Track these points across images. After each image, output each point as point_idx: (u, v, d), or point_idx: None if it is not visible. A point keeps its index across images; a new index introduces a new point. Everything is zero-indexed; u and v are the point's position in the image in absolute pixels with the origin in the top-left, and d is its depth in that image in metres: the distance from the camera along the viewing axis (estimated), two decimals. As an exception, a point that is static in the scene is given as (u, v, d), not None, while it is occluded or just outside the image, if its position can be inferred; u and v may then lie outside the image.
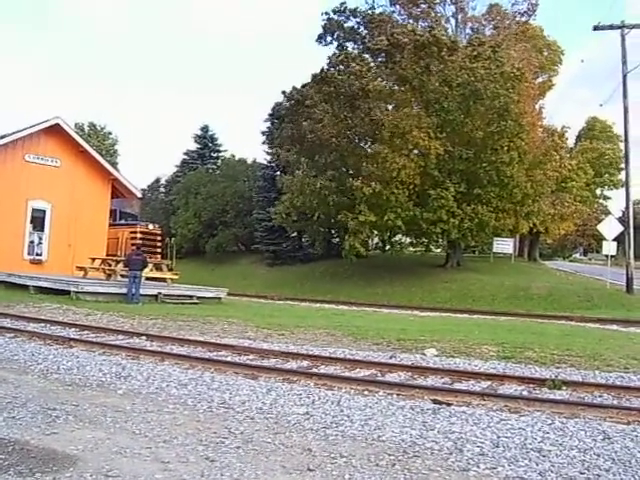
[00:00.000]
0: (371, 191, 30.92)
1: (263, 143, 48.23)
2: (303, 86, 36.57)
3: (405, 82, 33.97)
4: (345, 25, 38.74)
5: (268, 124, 47.27)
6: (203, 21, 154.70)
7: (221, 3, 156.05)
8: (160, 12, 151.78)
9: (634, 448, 6.45)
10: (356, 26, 38.84)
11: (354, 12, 38.95)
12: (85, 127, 68.73)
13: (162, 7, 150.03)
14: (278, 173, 44.51)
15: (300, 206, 35.45)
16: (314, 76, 35.25)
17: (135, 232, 32.03)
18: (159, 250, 33.60)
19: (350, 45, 39.48)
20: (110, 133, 73.17)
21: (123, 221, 34.35)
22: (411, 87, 33.80)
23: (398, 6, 41.55)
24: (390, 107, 34.98)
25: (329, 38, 39.08)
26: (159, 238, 34.18)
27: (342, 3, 38.57)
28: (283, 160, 41.38)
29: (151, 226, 34.11)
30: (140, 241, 30.42)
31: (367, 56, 36.91)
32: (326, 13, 38.83)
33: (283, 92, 39.46)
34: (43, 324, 15.22)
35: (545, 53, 46.63)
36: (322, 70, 35.10)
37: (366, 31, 38.11)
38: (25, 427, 6.37)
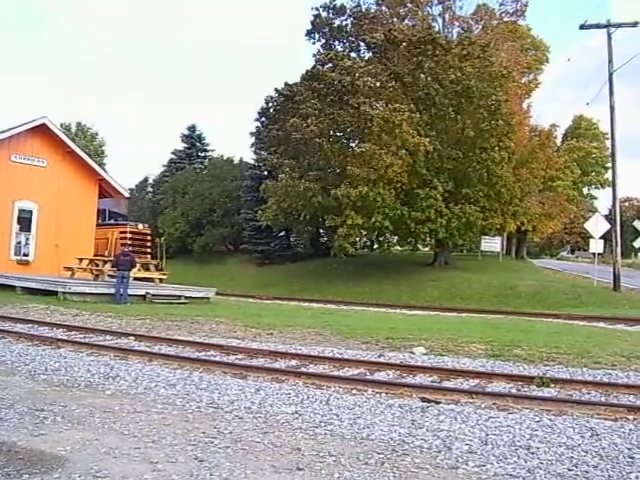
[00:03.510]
0: (357, 193, 30.83)
1: (252, 145, 48.12)
2: (295, 84, 36.62)
3: (397, 79, 34.00)
4: (333, 22, 38.88)
5: (257, 124, 47.11)
6: (193, 21, 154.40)
7: (209, 6, 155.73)
8: (149, 13, 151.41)
9: (622, 444, 6.49)
10: (344, 23, 38.97)
11: (342, 9, 39.07)
12: (72, 127, 68.28)
13: (151, 8, 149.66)
14: (265, 173, 44.40)
15: (287, 208, 35.40)
16: (306, 72, 35.29)
17: (125, 232, 31.91)
18: (149, 250, 33.51)
19: (337, 44, 39.61)
20: (97, 134, 72.98)
21: (112, 221, 34.19)
22: (402, 84, 33.83)
23: (384, 6, 41.55)
24: (380, 103, 35.01)
25: (317, 35, 39.25)
26: (149, 238, 34.08)
27: (331, 0, 38.78)
28: (269, 165, 41.30)
29: (141, 226, 33.98)
30: (130, 241, 30.35)
31: (354, 55, 37.01)
32: (316, 9, 39.06)
33: (275, 89, 39.55)
34: (30, 325, 15.15)
35: (532, 52, 46.84)
36: (313, 67, 35.15)
37: (354, 29, 38.17)
38: (13, 428, 6.35)
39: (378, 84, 34.02)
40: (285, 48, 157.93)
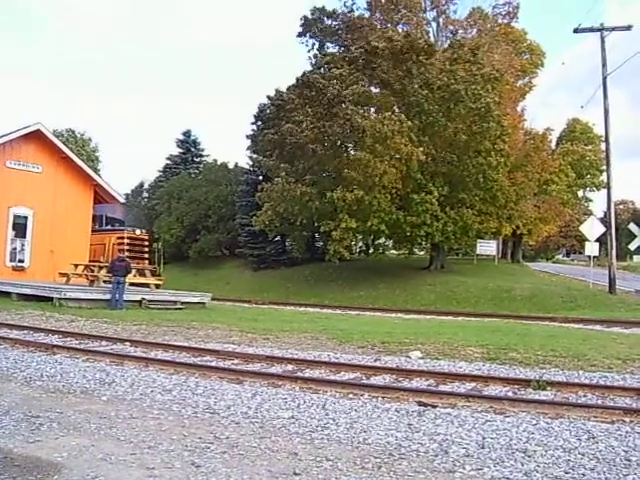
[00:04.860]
0: (353, 197, 30.81)
1: (248, 148, 48.26)
2: (287, 89, 36.65)
3: (386, 86, 34.03)
4: (325, 26, 39.07)
5: (254, 127, 47.27)
6: (187, 25, 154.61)
7: (206, 6, 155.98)
8: (143, 17, 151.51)
9: (618, 447, 6.49)
10: (336, 28, 39.14)
11: (333, 14, 39.23)
12: (64, 133, 68.05)
13: (144, 12, 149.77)
14: (261, 178, 44.40)
15: (283, 212, 35.35)
16: (297, 79, 35.26)
17: (122, 237, 31.94)
18: (146, 255, 33.51)
19: (331, 46, 39.85)
20: (90, 139, 72.88)
21: (110, 227, 34.19)
22: (392, 91, 33.85)
23: (377, 12, 41.58)
24: (372, 110, 35.03)
25: (310, 39, 39.51)
26: (146, 243, 34.09)
27: (321, 8, 39.10)
28: (264, 168, 41.29)
29: (138, 231, 33.99)
30: (127, 247, 30.36)
31: (347, 58, 37.09)
32: (306, 15, 39.33)
33: (268, 96, 39.64)
34: (26, 331, 15.12)
35: (527, 56, 46.92)
36: (304, 74, 35.12)
37: (346, 34, 38.31)
38: (8, 435, 6.33)
39: (367, 92, 34.08)
40: (284, 50, 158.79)
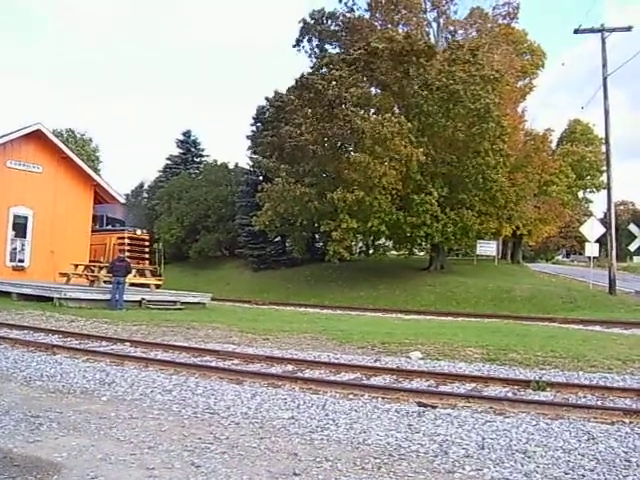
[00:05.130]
0: (353, 198, 30.80)
1: (248, 149, 48.33)
2: (287, 90, 36.64)
3: (386, 87, 34.01)
4: (325, 28, 39.05)
5: (253, 128, 47.33)
6: (187, 25, 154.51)
7: (206, 7, 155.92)
8: (143, 17, 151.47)
9: (618, 448, 6.49)
10: (336, 29, 39.13)
11: (333, 16, 39.21)
12: (63, 133, 67.88)
13: (144, 12, 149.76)
14: (261, 178, 44.42)
15: (283, 212, 35.34)
16: (296, 81, 35.27)
17: (123, 238, 31.90)
18: (147, 256, 33.48)
19: (330, 48, 39.86)
20: (91, 140, 72.80)
21: (110, 227, 34.16)
22: (391, 92, 33.83)
23: (378, 13, 41.56)
24: (371, 112, 35.01)
25: (307, 43, 39.58)
26: (147, 243, 34.05)
27: (320, 10, 39.09)
28: (264, 168, 41.25)
29: (139, 231, 33.94)
30: (128, 247, 30.33)
31: (347, 60, 37.10)
32: (304, 21, 39.28)
33: (266, 98, 39.66)
34: (26, 331, 15.12)
35: (527, 57, 46.88)
36: (302, 75, 35.13)
37: (346, 36, 38.31)
38: (8, 435, 6.33)
39: (366, 94, 34.03)
40: (284, 50, 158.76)
